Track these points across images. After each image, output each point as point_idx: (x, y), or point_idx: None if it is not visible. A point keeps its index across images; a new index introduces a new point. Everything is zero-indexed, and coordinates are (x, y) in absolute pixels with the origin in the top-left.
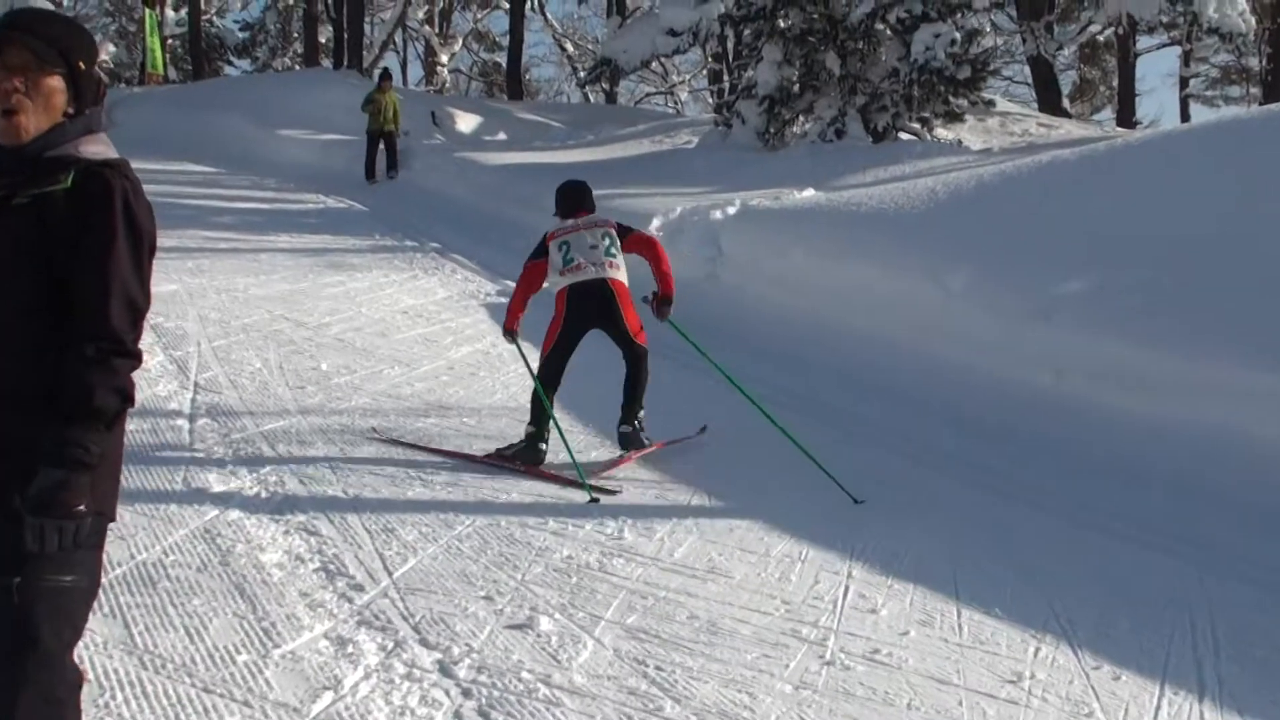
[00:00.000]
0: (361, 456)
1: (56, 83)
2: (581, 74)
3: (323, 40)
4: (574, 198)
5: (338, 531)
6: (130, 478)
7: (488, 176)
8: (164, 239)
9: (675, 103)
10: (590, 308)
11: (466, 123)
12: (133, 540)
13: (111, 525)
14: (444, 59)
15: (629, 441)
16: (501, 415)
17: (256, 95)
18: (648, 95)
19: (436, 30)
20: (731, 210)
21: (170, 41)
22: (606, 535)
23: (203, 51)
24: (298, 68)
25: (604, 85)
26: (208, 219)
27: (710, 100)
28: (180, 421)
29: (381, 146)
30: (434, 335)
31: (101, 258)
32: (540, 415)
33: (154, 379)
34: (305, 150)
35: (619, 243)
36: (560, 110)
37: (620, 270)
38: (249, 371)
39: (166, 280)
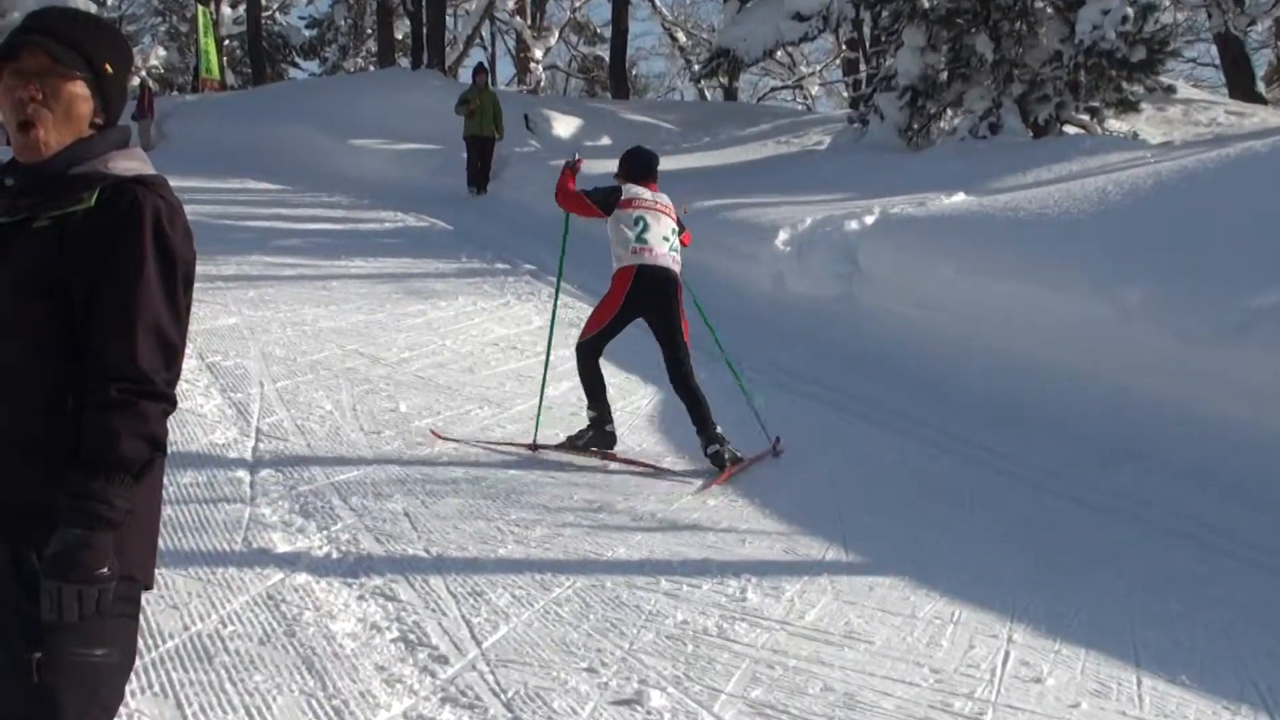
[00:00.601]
0: (446, 510)
1: (79, 90)
2: (695, 67)
3: (399, 37)
4: (646, 165)
5: (419, 596)
6: (183, 538)
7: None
8: (222, 266)
9: (804, 98)
10: (653, 297)
11: (565, 126)
12: (186, 609)
13: (161, 593)
14: (538, 54)
15: (722, 459)
16: (613, 463)
17: (325, 101)
18: (772, 90)
19: (529, 22)
20: (869, 220)
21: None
22: (727, 596)
23: (264, 53)
24: (371, 69)
25: (721, 80)
26: (271, 242)
27: (844, 94)
28: (240, 473)
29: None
30: (529, 370)
31: (127, 286)
32: (597, 391)
33: (210, 425)
34: (381, 162)
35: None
36: (672, 109)
37: (679, 265)
38: (318, 415)
39: (225, 313)
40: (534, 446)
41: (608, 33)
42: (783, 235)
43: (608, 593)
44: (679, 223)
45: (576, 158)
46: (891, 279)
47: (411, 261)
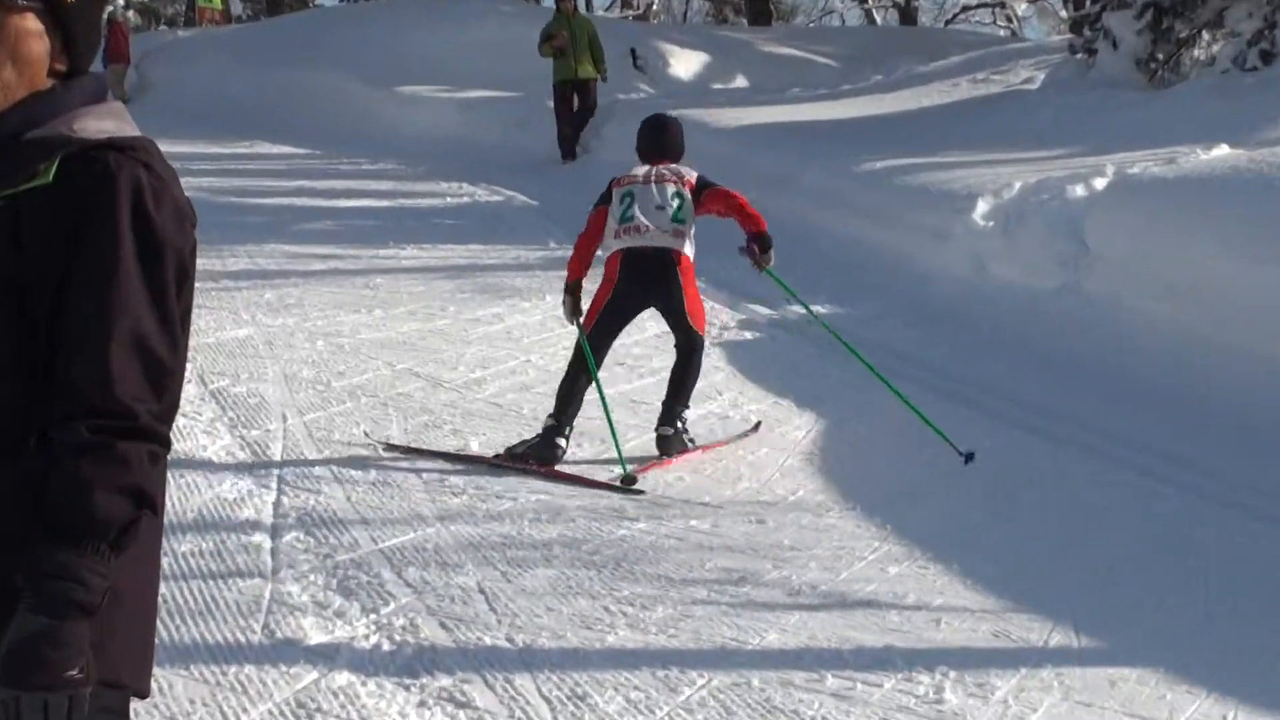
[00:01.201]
0: (535, 585)
1: (27, 24)
2: None
3: None
4: (653, 138)
5: (500, 702)
6: (184, 626)
7: (720, 145)
8: (229, 259)
9: (1008, 20)
10: (646, 279)
11: (685, 63)
12: None
13: (156, 701)
14: None
15: (668, 446)
16: (771, 511)
17: (363, 36)
18: (964, 10)
19: None
20: (1100, 183)
21: None
22: (918, 697)
23: None
24: None
25: None
26: (293, 226)
27: (1063, 14)
28: (258, 537)
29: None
30: (642, 393)
31: (98, 286)
32: (564, 403)
33: (217, 473)
34: (439, 116)
35: (693, 205)
36: (829, 38)
37: (687, 242)
38: (360, 458)
39: (234, 322)
40: (480, 459)
41: None
42: (983, 206)
43: (755, 694)
44: (697, 185)
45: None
46: (1130, 261)
47: (483, 250)
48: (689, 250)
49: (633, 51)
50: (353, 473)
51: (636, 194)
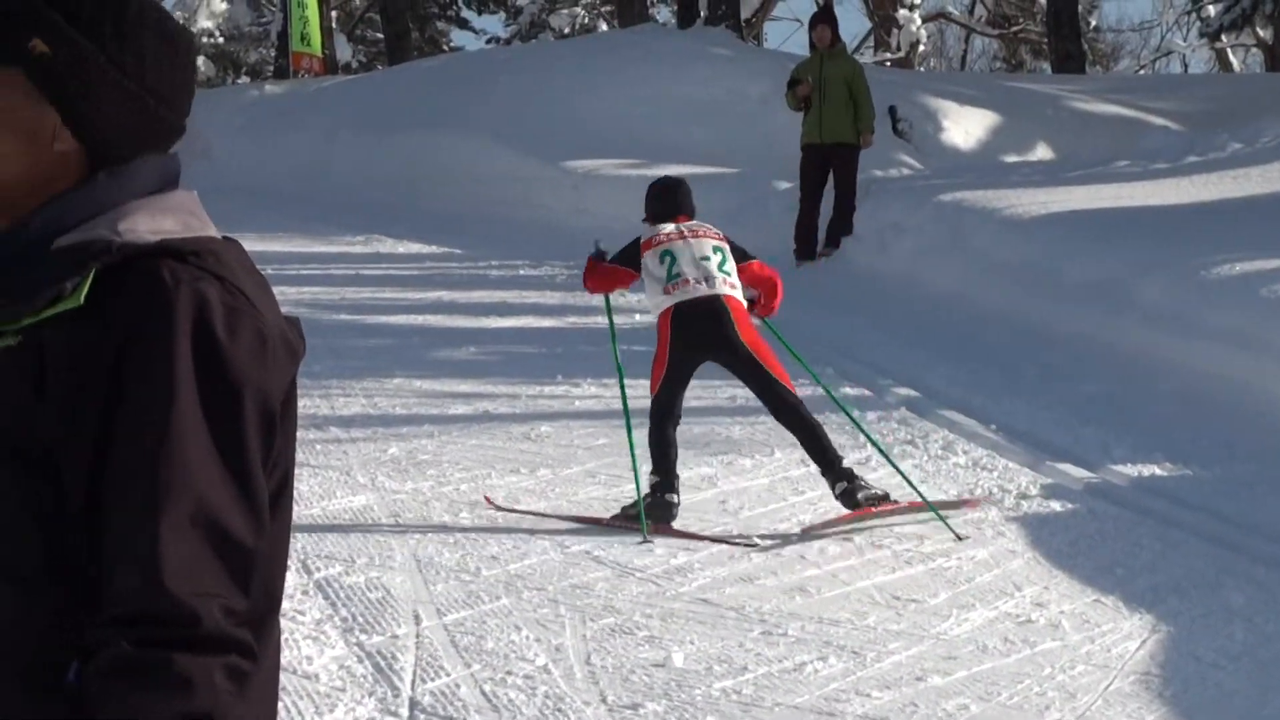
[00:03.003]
0: None
1: (8, 84)
2: (1210, 9)
3: None
4: (671, 198)
5: None
6: None
7: (1014, 243)
8: (336, 399)
9: None
10: (701, 330)
11: (964, 126)
12: None
13: None
14: None
15: (856, 502)
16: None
17: (519, 92)
18: None
19: None
20: None
21: None
22: None
23: (404, 4)
24: (603, 26)
25: (1260, 31)
26: (427, 355)
27: None
28: None
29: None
30: (909, 586)
31: (147, 447)
32: (661, 457)
33: (327, 697)
34: (624, 202)
35: (733, 261)
36: (1168, 90)
37: (737, 289)
38: (523, 675)
39: (345, 486)
40: (597, 521)
41: None
42: None
43: None
44: (729, 242)
45: (598, 246)
46: None
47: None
48: (739, 296)
49: (892, 110)
50: (513, 695)
51: (676, 251)
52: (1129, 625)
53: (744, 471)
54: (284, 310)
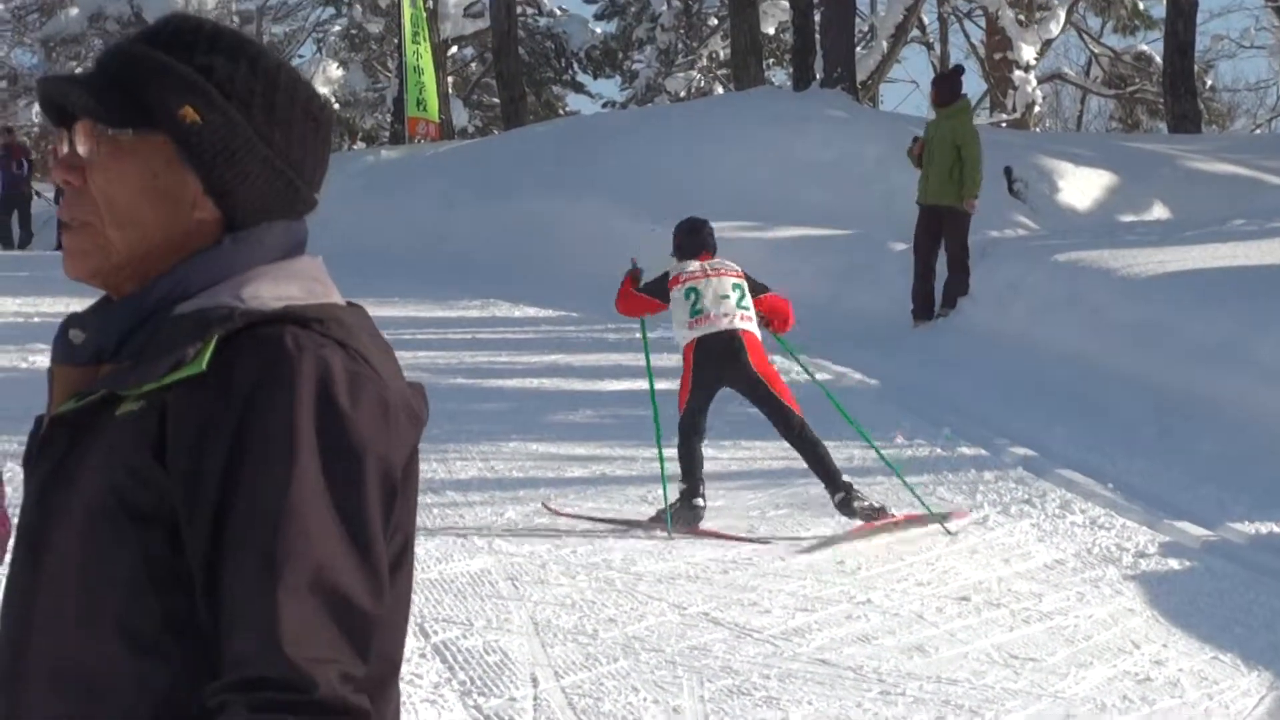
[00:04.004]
0: None
1: (149, 157)
2: None
3: (769, 32)
4: (696, 237)
5: None
6: None
7: (1131, 302)
8: (453, 462)
9: None
10: (719, 361)
11: (1080, 186)
12: None
13: None
14: (1027, 55)
15: (852, 510)
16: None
17: (635, 155)
18: None
19: None
20: None
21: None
22: None
23: (520, 69)
24: (719, 89)
25: None
26: (544, 418)
27: None
28: None
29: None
30: (1027, 644)
31: (266, 514)
32: (690, 467)
33: None
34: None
35: (750, 296)
36: None
37: (753, 323)
38: None
39: (463, 550)
40: (636, 524)
41: (1157, 12)
42: None
43: None
44: (747, 277)
45: (635, 264)
46: None
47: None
48: (755, 330)
49: (1008, 171)
50: None
51: (701, 289)
52: (1247, 682)
53: (862, 531)
54: (407, 376)
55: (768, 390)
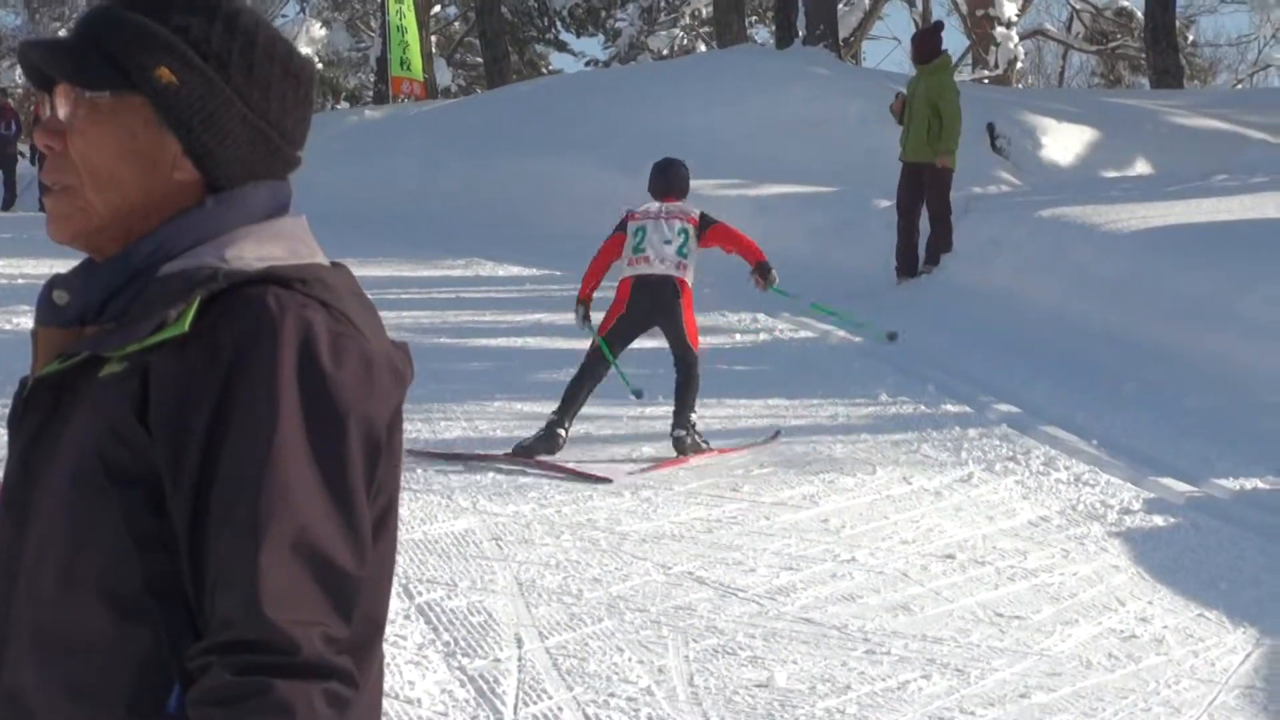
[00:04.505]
0: None
1: (128, 117)
2: None
3: None
4: (661, 177)
5: None
6: None
7: (1114, 258)
8: (438, 422)
9: None
10: (653, 303)
11: (1063, 142)
12: None
13: None
14: (1008, 12)
15: (682, 446)
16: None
17: (619, 113)
18: None
19: None
20: None
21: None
22: None
23: (503, 28)
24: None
25: None
26: (528, 378)
27: None
28: None
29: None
30: (1012, 602)
31: (249, 474)
32: (568, 404)
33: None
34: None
35: (695, 241)
36: (1269, 105)
37: (689, 273)
38: (625, 698)
39: (447, 510)
40: (492, 458)
41: None
42: None
43: None
44: (702, 217)
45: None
46: None
47: (787, 405)
48: (690, 279)
49: (990, 128)
50: (616, 719)
51: (649, 229)
52: (1233, 639)
53: (845, 491)
54: (391, 335)
55: (685, 339)
